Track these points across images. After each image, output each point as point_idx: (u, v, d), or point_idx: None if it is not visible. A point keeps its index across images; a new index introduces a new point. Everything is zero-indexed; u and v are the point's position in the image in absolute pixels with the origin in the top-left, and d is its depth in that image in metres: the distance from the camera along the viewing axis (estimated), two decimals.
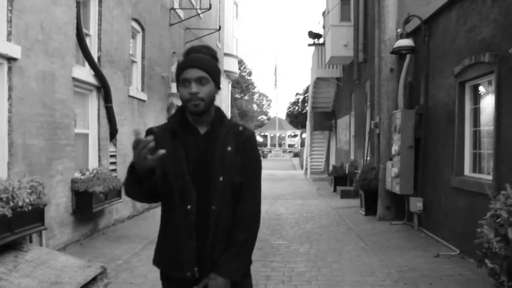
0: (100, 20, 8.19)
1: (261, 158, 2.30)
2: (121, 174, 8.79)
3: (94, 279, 5.07)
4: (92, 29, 8.06)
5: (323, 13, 21.37)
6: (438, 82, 7.60)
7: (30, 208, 5.10)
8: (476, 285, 4.92)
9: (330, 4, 16.36)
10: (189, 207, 2.08)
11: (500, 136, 5.45)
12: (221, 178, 2.09)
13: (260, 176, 2.23)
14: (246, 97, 64.26)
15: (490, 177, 5.73)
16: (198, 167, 2.12)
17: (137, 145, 1.90)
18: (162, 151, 1.91)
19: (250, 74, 65.76)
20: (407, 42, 8.36)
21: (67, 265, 5.14)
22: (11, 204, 4.82)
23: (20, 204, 4.89)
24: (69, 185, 6.93)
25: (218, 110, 2.24)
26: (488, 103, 6.19)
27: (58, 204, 6.59)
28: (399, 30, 9.18)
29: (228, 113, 27.54)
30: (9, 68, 5.47)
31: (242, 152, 2.15)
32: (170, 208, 2.13)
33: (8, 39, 5.45)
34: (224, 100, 24.98)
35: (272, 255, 6.58)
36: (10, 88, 5.48)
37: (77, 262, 5.31)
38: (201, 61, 2.10)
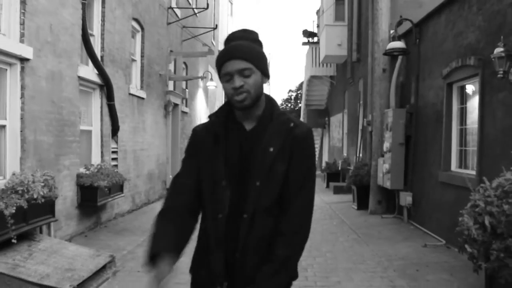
0: (103, 20, 8.49)
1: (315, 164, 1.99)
2: (122, 169, 9.12)
3: (103, 267, 5.40)
4: (95, 29, 8.36)
5: (317, 12, 21.73)
6: (427, 83, 7.97)
7: (43, 200, 5.41)
8: (459, 270, 5.30)
9: (325, 3, 16.70)
10: (220, 216, 1.86)
11: (483, 134, 5.84)
12: (257, 183, 1.82)
13: (313, 183, 1.94)
14: None
15: (474, 172, 6.12)
16: (238, 170, 1.88)
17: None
18: None
19: None
20: (399, 44, 8.73)
21: (77, 254, 5.47)
22: (26, 196, 5.14)
23: (34, 196, 5.20)
24: (75, 179, 7.24)
25: (270, 102, 1.95)
26: (474, 104, 6.57)
27: (65, 197, 6.90)
28: (391, 31, 9.54)
29: None
30: (22, 68, 5.77)
31: (291, 154, 1.86)
32: (204, 216, 1.96)
33: (21, 41, 5.75)
34: (218, 98, 25.26)
35: None
36: (22, 87, 5.78)
37: (86, 251, 5.64)
38: (241, 50, 1.84)
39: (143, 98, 10.75)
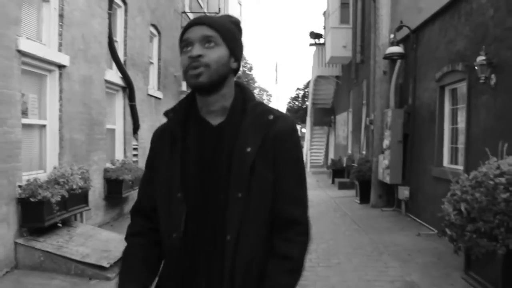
0: (125, 27, 9.25)
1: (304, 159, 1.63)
2: (142, 164, 9.87)
3: None
4: (119, 36, 9.11)
5: (324, 13, 22.37)
6: (423, 85, 8.66)
7: (79, 191, 6.19)
8: (446, 255, 5.99)
9: (331, 6, 17.37)
10: (174, 235, 1.48)
11: (469, 133, 6.53)
12: (239, 195, 1.43)
13: (305, 187, 1.54)
14: None
15: (462, 167, 6.80)
16: (206, 178, 1.48)
17: None
18: None
19: (250, 69, 66.63)
20: (397, 49, 9.42)
21: (110, 238, 6.24)
22: (66, 187, 5.90)
23: (74, 187, 5.97)
24: (102, 173, 8.01)
25: (242, 91, 1.56)
26: (464, 105, 7.25)
27: (94, 189, 7.65)
28: (391, 36, 10.22)
29: None
30: (60, 74, 6.52)
31: (275, 156, 1.47)
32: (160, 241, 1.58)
33: (59, 50, 6.51)
34: None
35: None
36: (60, 91, 6.54)
37: (117, 236, 6.40)
38: (209, 18, 1.50)
39: (159, 98, 11.50)
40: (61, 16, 6.51)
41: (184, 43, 1.48)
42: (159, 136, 1.63)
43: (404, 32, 9.61)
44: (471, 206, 4.45)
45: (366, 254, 6.33)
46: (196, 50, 1.43)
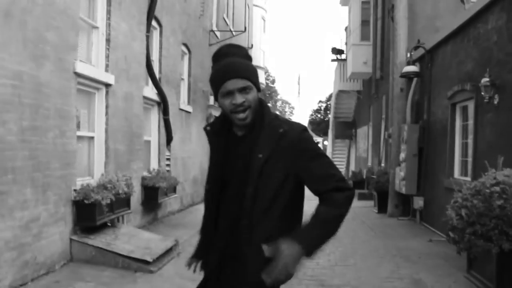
0: (160, 47, 10.10)
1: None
2: (173, 174, 10.65)
3: (170, 249, 6.90)
4: (154, 55, 9.96)
5: (346, 29, 23.07)
6: (437, 102, 9.27)
7: (124, 196, 6.97)
8: (453, 258, 6.55)
9: (352, 24, 18.05)
10: (207, 213, 2.18)
11: (476, 147, 7.13)
12: (250, 189, 1.92)
13: (333, 167, 2.01)
14: (269, 104, 65.93)
15: (470, 179, 7.39)
16: (230, 176, 2.04)
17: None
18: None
19: (273, 81, 67.53)
20: (413, 68, 10.07)
21: (150, 238, 6.99)
22: (113, 192, 6.68)
23: (119, 192, 6.75)
24: (140, 181, 8.80)
25: (261, 105, 2.02)
26: (472, 121, 7.84)
27: (134, 195, 8.41)
28: (408, 55, 10.86)
29: None
30: (106, 92, 7.35)
31: (292, 159, 1.93)
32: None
33: (106, 70, 7.34)
34: None
35: None
36: (106, 107, 7.36)
37: (156, 236, 7.16)
38: (240, 69, 1.95)
39: (189, 112, 12.32)
40: (108, 40, 7.35)
41: (226, 91, 1.95)
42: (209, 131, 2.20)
43: (420, 51, 10.24)
44: (471, 211, 5.06)
45: (380, 256, 6.96)
46: (239, 98, 1.93)
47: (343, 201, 1.96)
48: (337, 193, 1.95)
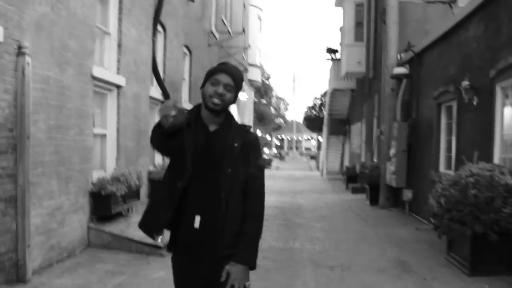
0: (164, 50, 10.70)
1: (265, 160, 2.96)
2: None
3: None
4: (159, 58, 10.55)
5: (340, 29, 23.67)
6: (424, 102, 9.93)
7: (135, 188, 7.59)
8: (437, 243, 7.16)
9: (347, 24, 18.64)
10: (179, 184, 2.35)
11: (458, 144, 7.79)
12: (229, 170, 2.34)
13: (264, 174, 2.50)
14: (264, 101, 66.31)
15: (453, 172, 8.05)
16: (204, 161, 2.37)
17: (165, 107, 2.31)
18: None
19: (268, 78, 67.86)
20: (402, 70, 10.73)
21: None
22: (126, 184, 7.30)
23: (132, 184, 7.36)
24: (147, 175, 9.41)
25: (228, 114, 2.49)
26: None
27: (142, 188, 9.06)
28: (399, 57, 11.49)
29: (251, 118, 29.91)
30: (118, 93, 7.95)
31: (247, 152, 2.40)
32: (167, 181, 2.46)
33: (117, 73, 7.94)
34: (247, 107, 27.40)
35: (296, 228, 8.99)
36: (118, 107, 7.96)
37: None
38: (235, 71, 2.43)
39: None
40: (119, 45, 7.95)
41: (214, 80, 2.39)
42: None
43: (410, 54, 10.87)
44: (448, 200, 5.72)
45: (371, 242, 7.61)
46: (221, 89, 2.36)
47: (260, 217, 2.43)
48: (255, 198, 2.41)
